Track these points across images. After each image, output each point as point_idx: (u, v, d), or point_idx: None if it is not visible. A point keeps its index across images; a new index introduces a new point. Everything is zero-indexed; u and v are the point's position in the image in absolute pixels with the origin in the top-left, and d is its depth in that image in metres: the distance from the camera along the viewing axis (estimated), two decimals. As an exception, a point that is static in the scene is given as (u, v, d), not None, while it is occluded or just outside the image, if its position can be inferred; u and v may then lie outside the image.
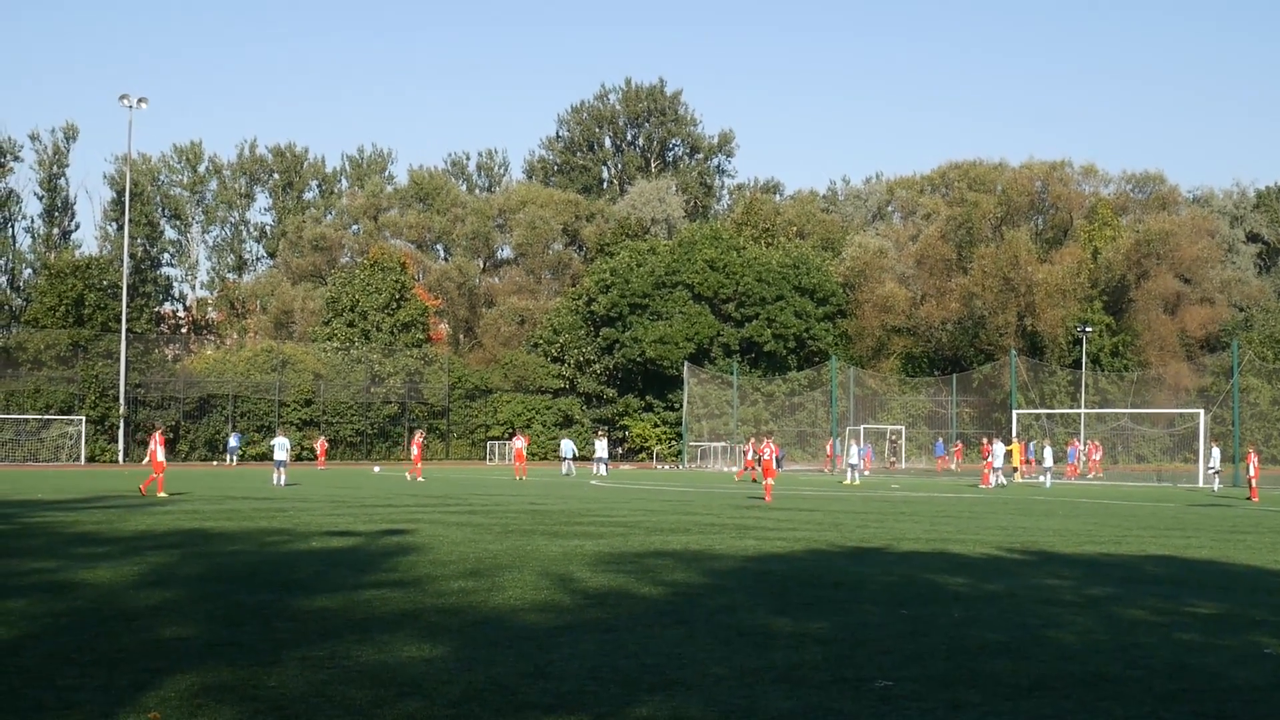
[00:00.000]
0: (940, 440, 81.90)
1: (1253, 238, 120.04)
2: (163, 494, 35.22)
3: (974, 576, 15.66)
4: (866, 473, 68.44)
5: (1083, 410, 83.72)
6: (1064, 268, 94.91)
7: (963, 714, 7.78)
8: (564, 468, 64.28)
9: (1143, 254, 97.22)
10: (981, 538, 22.13)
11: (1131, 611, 12.52)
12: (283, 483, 43.89)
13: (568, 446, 65.89)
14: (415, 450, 55.58)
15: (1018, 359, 76.91)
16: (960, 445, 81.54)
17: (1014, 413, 69.12)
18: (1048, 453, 55.79)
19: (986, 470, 51.87)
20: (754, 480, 53.53)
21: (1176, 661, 9.66)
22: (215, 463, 77.32)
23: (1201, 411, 63.22)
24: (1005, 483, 51.84)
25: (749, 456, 58.25)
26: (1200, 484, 52.74)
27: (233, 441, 79.14)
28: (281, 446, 46.68)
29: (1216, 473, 52.17)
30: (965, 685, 8.66)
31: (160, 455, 37.20)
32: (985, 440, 55.45)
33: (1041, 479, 54.31)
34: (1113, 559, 18.53)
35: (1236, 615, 12.37)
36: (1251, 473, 45.34)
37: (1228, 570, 17.20)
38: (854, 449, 57.00)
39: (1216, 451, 53.22)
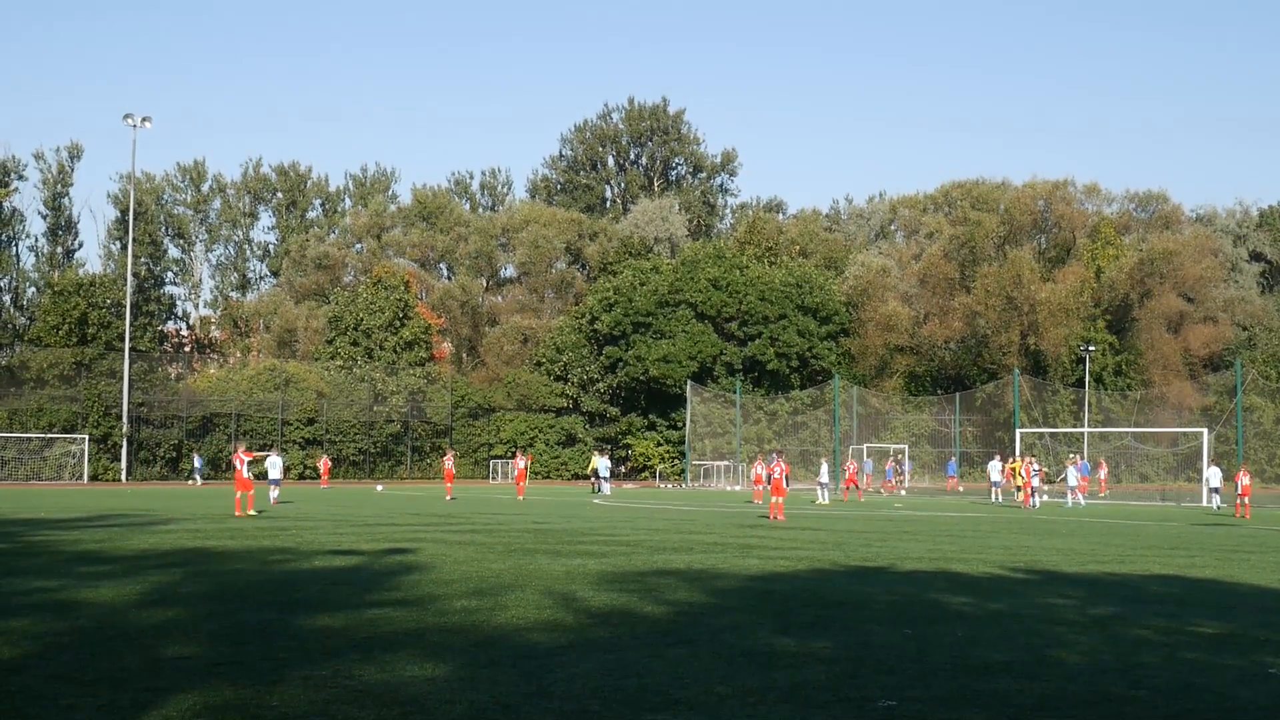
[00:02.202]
0: (952, 460, 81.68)
1: (1256, 257, 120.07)
2: (251, 512, 35.34)
3: (977, 596, 15.65)
4: (902, 491, 68.30)
5: (1086, 429, 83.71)
6: (1067, 287, 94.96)
7: (966, 734, 7.77)
8: (598, 486, 64.48)
9: (1146, 273, 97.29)
10: (984, 557, 22.11)
11: (1135, 631, 12.50)
12: (274, 498, 43.84)
13: (603, 465, 65.94)
14: (446, 468, 55.78)
15: (1021, 378, 76.91)
16: (1015, 462, 75.38)
17: (1017, 432, 69.08)
18: (1071, 472, 55.59)
19: (1026, 490, 51.49)
20: (861, 499, 53.97)
21: (1181, 681, 9.65)
22: (190, 482, 77.25)
23: (1205, 430, 63.17)
24: (1037, 504, 51.56)
25: (850, 472, 58.32)
26: (1204, 503, 52.70)
27: (196, 462, 78.84)
28: (274, 465, 46.68)
29: (1216, 491, 52.16)
30: (969, 705, 8.65)
31: (246, 474, 37.38)
32: (1023, 459, 55.38)
33: (1067, 499, 53.93)
34: (1116, 578, 18.51)
35: (1241, 635, 12.36)
36: (1240, 491, 45.37)
37: (1232, 590, 17.18)
38: (824, 468, 56.83)
39: (1217, 471, 53.18)
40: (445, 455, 59.14)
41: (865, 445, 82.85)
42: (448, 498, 51.99)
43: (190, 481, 77.41)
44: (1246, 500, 44.91)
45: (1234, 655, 11.03)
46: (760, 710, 8.40)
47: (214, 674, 9.52)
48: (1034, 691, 9.16)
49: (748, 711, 8.34)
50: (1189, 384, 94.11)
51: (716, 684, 9.30)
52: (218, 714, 8.07)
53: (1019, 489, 60.76)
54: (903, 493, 68.61)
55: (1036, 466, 52.95)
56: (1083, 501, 54.50)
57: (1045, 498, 52.13)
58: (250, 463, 38.31)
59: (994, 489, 59.12)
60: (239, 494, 36.41)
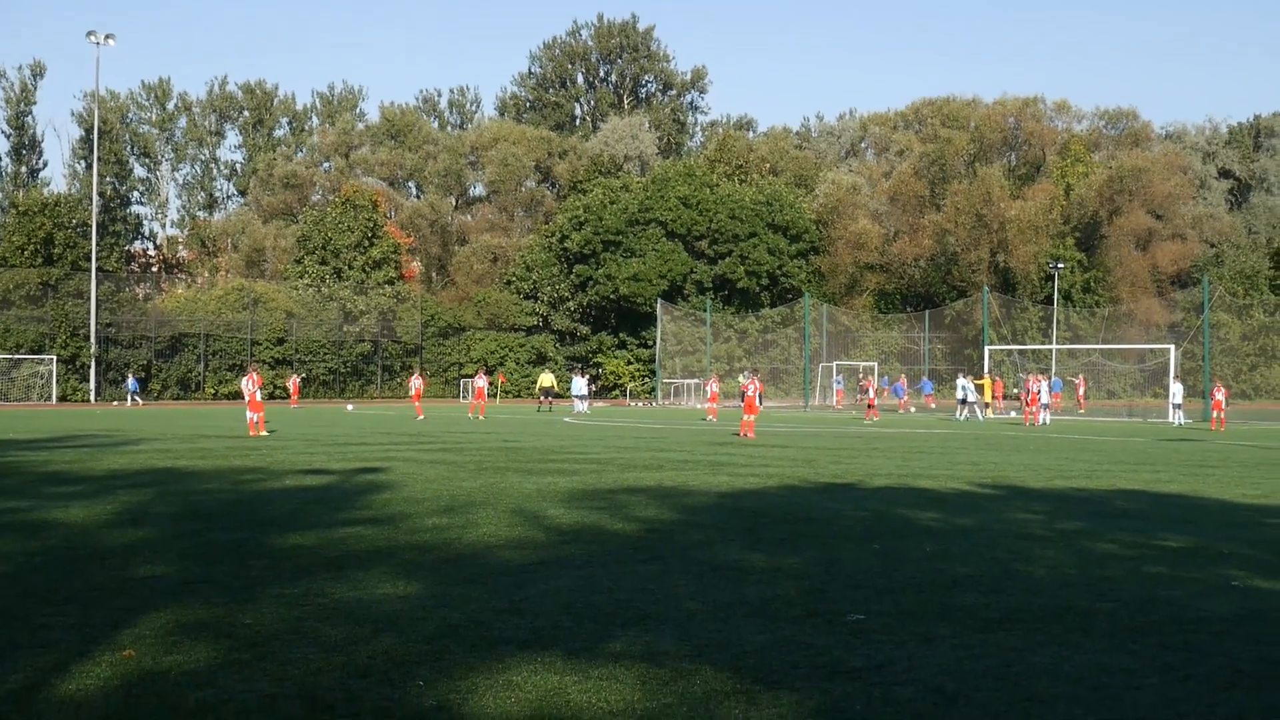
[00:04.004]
0: (926, 379, 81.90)
1: (1224, 174, 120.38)
2: (263, 433, 35.36)
3: (945, 511, 15.77)
4: (913, 408, 67.72)
5: (1054, 346, 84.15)
6: (1036, 204, 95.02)
7: (934, 647, 7.85)
8: (576, 405, 64.57)
9: (1115, 190, 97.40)
10: (952, 473, 22.25)
11: (1101, 545, 12.62)
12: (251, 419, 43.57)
13: (579, 385, 65.92)
14: (415, 389, 55.75)
15: (990, 295, 77.09)
16: (985, 379, 66.17)
17: (986, 349, 69.29)
18: (970, 387, 55.78)
19: (1032, 408, 51.37)
20: (874, 418, 53.88)
21: (1145, 594, 9.76)
22: (116, 403, 76.85)
23: (1172, 347, 63.52)
24: (1048, 420, 51.33)
25: (869, 394, 58.03)
26: (1169, 419, 53.10)
27: (131, 384, 78.21)
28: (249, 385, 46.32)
29: (1178, 407, 52.59)
30: (937, 619, 8.73)
31: (258, 396, 37.38)
32: (1028, 377, 55.59)
33: (1043, 416, 53.81)
34: (1083, 493, 18.66)
35: (1205, 549, 12.49)
36: (1213, 405, 46.25)
37: (1196, 504, 17.34)
38: (745, 379, 56.72)
39: (1179, 387, 53.58)
40: (414, 374, 59.01)
41: (835, 363, 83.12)
42: (419, 416, 51.98)
43: (127, 403, 76.53)
44: (1219, 415, 45.86)
45: (1198, 568, 11.15)
46: (731, 625, 8.46)
47: (186, 593, 9.54)
48: (1001, 605, 9.25)
49: (718, 626, 8.41)
50: (1156, 301, 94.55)
51: (687, 600, 9.37)
52: (190, 632, 8.10)
53: (987, 405, 61.15)
54: (913, 408, 68.80)
55: (1046, 384, 52.94)
56: (980, 417, 55.04)
57: (1046, 420, 51.78)
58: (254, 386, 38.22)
59: (960, 406, 58.98)
60: (253, 415, 36.51)
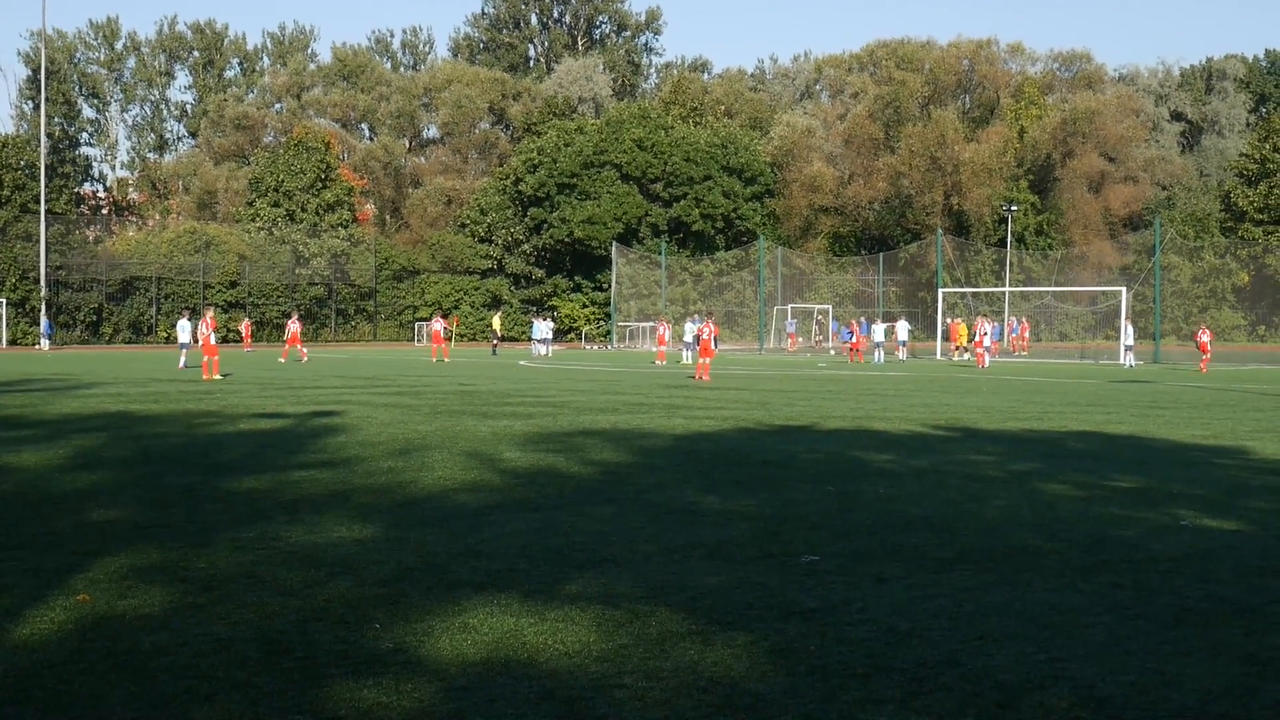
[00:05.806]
0: (864, 319, 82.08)
1: (1176, 116, 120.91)
2: (217, 376, 35.15)
3: (899, 453, 15.85)
4: (888, 355, 67.58)
5: (1007, 289, 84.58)
6: (990, 147, 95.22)
7: (887, 587, 7.90)
8: (534, 349, 64.48)
9: (1068, 133, 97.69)
10: (906, 415, 22.36)
11: (1053, 486, 12.72)
12: (184, 365, 42.95)
13: (539, 328, 65.74)
14: (291, 332, 55.47)
15: (944, 238, 77.28)
16: (958, 322, 67.73)
17: (940, 291, 69.55)
18: (987, 331, 56.07)
19: (979, 350, 51.46)
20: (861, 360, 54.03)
21: (1096, 534, 9.85)
22: (37, 347, 75.99)
23: (1124, 289, 63.89)
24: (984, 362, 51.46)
25: (853, 338, 57.82)
26: (1121, 361, 53.49)
27: (45, 326, 77.24)
28: (183, 329, 45.35)
29: (1130, 349, 53.03)
30: (890, 559, 8.79)
31: (213, 339, 37.16)
32: (975, 320, 55.80)
33: (875, 356, 54.32)
34: (1035, 435, 18.80)
35: (1155, 489, 12.60)
36: (1197, 347, 47.45)
37: (1147, 445, 17.48)
38: (688, 326, 57.04)
39: (1131, 329, 54.02)
40: (291, 317, 58.86)
41: (789, 305, 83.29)
42: (282, 359, 52.35)
43: (41, 346, 75.35)
44: (1206, 356, 46.94)
45: (1148, 508, 11.26)
46: (686, 566, 8.50)
47: (140, 537, 9.50)
48: (953, 545, 9.31)
49: (674, 568, 8.44)
50: (1109, 243, 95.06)
51: (642, 542, 9.39)
52: (145, 576, 8.07)
53: (957, 349, 61.56)
54: (890, 356, 69.08)
55: (988, 327, 53.19)
56: (881, 359, 55.46)
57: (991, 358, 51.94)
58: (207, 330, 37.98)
59: (877, 349, 58.24)
60: (207, 359, 36.30)
